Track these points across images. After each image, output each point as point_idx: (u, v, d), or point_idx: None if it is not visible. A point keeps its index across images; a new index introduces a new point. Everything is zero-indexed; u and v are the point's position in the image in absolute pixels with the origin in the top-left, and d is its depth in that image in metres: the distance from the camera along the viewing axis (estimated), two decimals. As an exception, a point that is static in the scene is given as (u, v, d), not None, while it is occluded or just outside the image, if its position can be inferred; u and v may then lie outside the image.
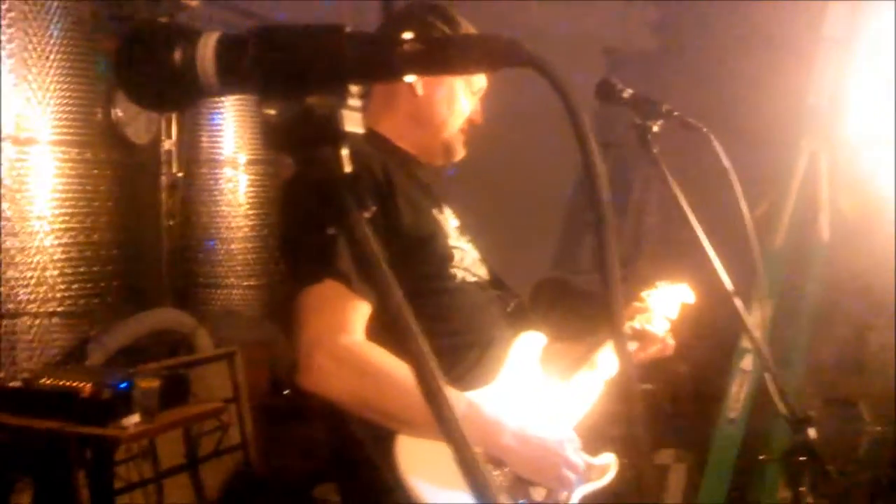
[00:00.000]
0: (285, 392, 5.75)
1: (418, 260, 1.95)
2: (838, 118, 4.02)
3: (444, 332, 1.97)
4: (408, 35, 0.82)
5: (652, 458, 4.39)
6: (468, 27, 2.14)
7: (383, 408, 1.78)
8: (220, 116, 6.11)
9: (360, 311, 1.81)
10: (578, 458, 2.02)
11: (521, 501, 1.93)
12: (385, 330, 1.76)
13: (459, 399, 1.86)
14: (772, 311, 3.95)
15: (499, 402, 1.96)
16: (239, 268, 6.09)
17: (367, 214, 0.84)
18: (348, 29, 0.81)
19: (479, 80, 2.17)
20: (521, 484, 1.94)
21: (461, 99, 2.14)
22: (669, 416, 4.77)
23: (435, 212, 2.05)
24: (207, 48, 0.84)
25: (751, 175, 3.75)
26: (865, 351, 4.44)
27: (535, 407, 2.04)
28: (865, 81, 3.95)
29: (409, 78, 0.83)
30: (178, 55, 0.84)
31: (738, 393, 3.94)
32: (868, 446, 3.93)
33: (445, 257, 2.00)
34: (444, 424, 0.83)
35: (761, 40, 4.22)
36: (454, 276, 2.01)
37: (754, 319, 3.35)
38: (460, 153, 2.19)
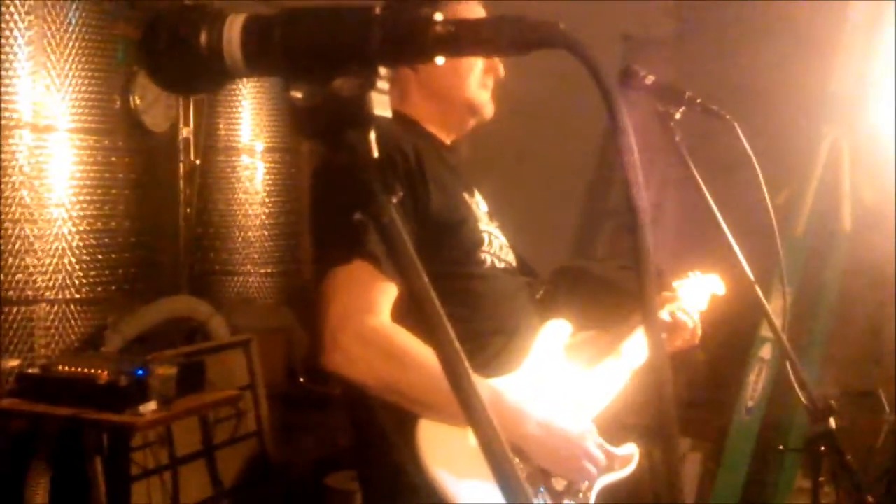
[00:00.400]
0: (301, 380, 5.76)
1: (448, 244, 1.94)
2: (861, 106, 3.98)
3: (471, 317, 1.96)
4: (439, 16, 0.80)
5: (678, 451, 4.38)
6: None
7: (408, 391, 1.77)
8: (237, 104, 6.11)
9: (388, 293, 1.80)
10: (600, 450, 2.00)
11: (540, 490, 1.93)
12: (412, 312, 1.76)
13: (483, 386, 1.84)
14: (792, 299, 3.92)
15: (522, 391, 1.95)
16: (256, 255, 6.09)
17: (394, 199, 0.83)
18: (378, 10, 0.80)
19: (496, 64, 2.15)
20: (541, 473, 1.93)
21: (468, 62, 2.11)
22: (685, 404, 4.75)
23: (465, 195, 2.03)
24: (234, 30, 0.83)
25: (772, 163, 3.72)
26: (884, 340, 4.41)
27: (558, 396, 2.03)
28: (889, 68, 3.91)
29: (440, 60, 0.81)
30: (203, 38, 0.82)
31: (755, 382, 3.92)
32: (887, 435, 3.91)
33: (476, 242, 1.98)
34: (470, 411, 0.82)
35: (783, 26, 4.18)
36: (484, 262, 1.99)
37: (775, 308, 3.34)
38: (489, 106, 2.14)
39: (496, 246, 2.04)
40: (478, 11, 2.13)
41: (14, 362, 3.99)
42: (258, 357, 5.41)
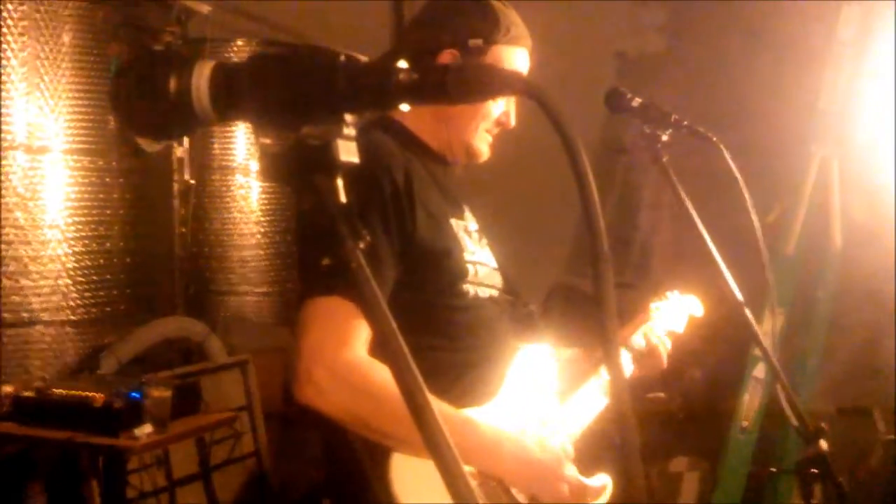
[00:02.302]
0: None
1: (431, 274, 1.94)
2: (850, 123, 4.00)
3: (451, 347, 1.97)
4: (402, 64, 0.81)
5: (645, 474, 4.37)
6: (511, 19, 2.08)
7: (379, 426, 1.77)
8: (231, 123, 6.12)
9: (365, 328, 1.79)
10: (575, 480, 2.01)
11: None
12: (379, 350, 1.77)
13: (457, 417, 1.85)
14: (784, 318, 3.93)
15: (498, 420, 1.96)
16: (251, 275, 6.08)
17: (361, 245, 0.83)
18: (342, 58, 0.81)
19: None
20: (510, 498, 1.94)
21: (490, 103, 2.10)
22: (682, 423, 4.75)
23: (454, 221, 2.02)
24: (202, 77, 0.84)
25: (762, 181, 3.74)
26: (880, 357, 4.41)
27: (534, 423, 2.04)
28: (878, 86, 3.92)
29: (405, 107, 0.82)
30: (172, 85, 0.84)
31: (750, 402, 3.92)
32: (882, 454, 3.90)
33: (459, 273, 1.98)
34: (434, 447, 0.82)
35: (773, 43, 4.20)
36: (466, 293, 1.99)
37: (766, 329, 3.35)
38: (484, 155, 2.14)
39: (481, 274, 2.03)
40: (521, 58, 2.13)
41: (9, 388, 3.98)
42: (255, 377, 5.40)
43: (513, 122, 2.15)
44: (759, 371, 3.85)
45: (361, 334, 1.79)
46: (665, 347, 2.44)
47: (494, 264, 2.09)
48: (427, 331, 1.93)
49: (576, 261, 5.83)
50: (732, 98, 4.37)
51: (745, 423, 3.91)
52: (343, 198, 0.81)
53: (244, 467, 5.19)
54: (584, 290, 4.89)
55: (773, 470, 3.71)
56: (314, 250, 1.72)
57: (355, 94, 0.81)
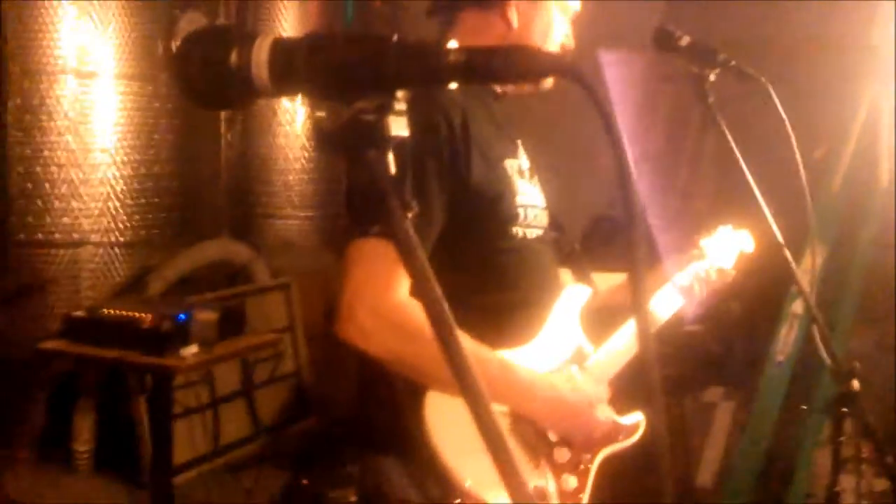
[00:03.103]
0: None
1: (482, 217, 1.94)
2: (903, 60, 3.93)
3: (495, 289, 1.99)
4: (452, 43, 0.84)
5: (679, 403, 4.42)
6: None
7: (419, 367, 1.78)
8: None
9: None
10: (608, 420, 2.04)
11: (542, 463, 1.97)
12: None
13: (493, 360, 1.89)
14: (826, 255, 3.92)
15: (536, 361, 1.99)
16: (296, 199, 6.14)
17: (409, 215, 0.88)
18: (395, 38, 0.84)
19: (574, 5, 2.14)
20: (545, 444, 1.97)
21: (557, 27, 2.10)
22: (718, 355, 4.78)
23: (507, 163, 2.02)
24: (262, 52, 0.88)
25: (811, 118, 3.70)
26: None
27: (571, 364, 2.07)
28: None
29: (453, 85, 0.86)
30: (234, 58, 0.87)
31: (787, 336, 3.93)
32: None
33: (510, 217, 1.98)
34: (466, 391, 0.88)
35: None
36: (515, 236, 2.00)
37: (806, 266, 3.35)
38: (550, 82, 2.07)
39: (531, 216, 2.04)
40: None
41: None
42: (298, 300, 5.52)
43: (573, 43, 2.15)
44: (797, 307, 3.85)
45: (405, 276, 1.79)
46: (708, 283, 2.41)
47: (543, 203, 2.09)
48: (473, 272, 1.96)
49: (615, 200, 5.81)
50: (783, 34, 4.30)
51: (780, 358, 3.93)
52: (393, 171, 0.85)
53: (285, 386, 5.33)
54: (621, 221, 4.89)
55: (804, 407, 3.74)
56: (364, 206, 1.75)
57: (406, 72, 0.84)
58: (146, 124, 4.98)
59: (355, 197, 0.92)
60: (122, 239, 4.86)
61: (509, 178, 2.00)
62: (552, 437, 1.99)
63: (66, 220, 4.72)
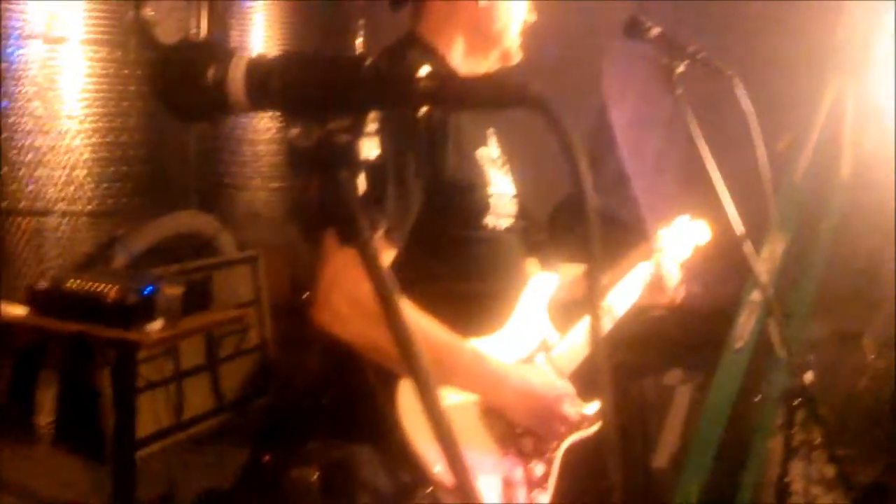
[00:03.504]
0: (306, 295, 5.84)
1: (455, 208, 1.98)
2: (868, 55, 3.98)
3: (464, 277, 2.03)
4: (424, 69, 0.86)
5: (639, 386, 4.48)
6: None
7: (393, 354, 1.81)
8: (250, 14, 6.08)
9: (385, 257, 1.85)
10: (573, 411, 2.08)
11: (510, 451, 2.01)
12: (406, 277, 1.84)
13: (465, 351, 1.93)
14: (786, 244, 3.99)
15: (504, 351, 2.03)
16: (264, 169, 6.12)
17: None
18: (368, 61, 0.86)
19: None
20: (512, 433, 2.02)
21: (519, 2, 2.14)
22: (678, 339, 4.84)
23: (480, 152, 2.05)
24: (238, 70, 0.90)
25: (775, 108, 3.75)
26: (879, 285, 4.48)
27: (537, 355, 2.11)
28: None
29: (423, 110, 0.88)
30: (210, 74, 0.89)
31: (745, 323, 4.00)
32: (868, 380, 4.00)
33: (482, 208, 2.02)
34: (420, 385, 0.91)
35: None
36: (486, 226, 2.04)
37: (765, 255, 3.41)
38: (517, 57, 2.18)
39: (501, 205, 2.08)
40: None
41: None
42: (264, 273, 5.52)
43: (534, 16, 2.19)
44: (757, 294, 3.91)
45: (381, 262, 1.84)
46: (672, 280, 2.46)
47: (513, 191, 2.13)
48: (445, 261, 2.00)
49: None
50: (752, 23, 4.34)
51: (738, 344, 3.99)
52: (362, 191, 0.88)
53: (250, 359, 5.34)
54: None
55: (758, 398, 3.82)
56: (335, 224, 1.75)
57: (379, 96, 0.87)
58: (115, 91, 4.93)
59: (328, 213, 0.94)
60: (88, 208, 4.84)
61: (481, 168, 2.04)
62: (518, 426, 2.03)
63: (31, 188, 4.68)
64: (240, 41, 6.10)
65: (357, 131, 0.88)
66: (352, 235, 0.89)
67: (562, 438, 2.09)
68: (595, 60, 5.49)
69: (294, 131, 0.89)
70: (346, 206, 0.87)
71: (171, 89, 0.92)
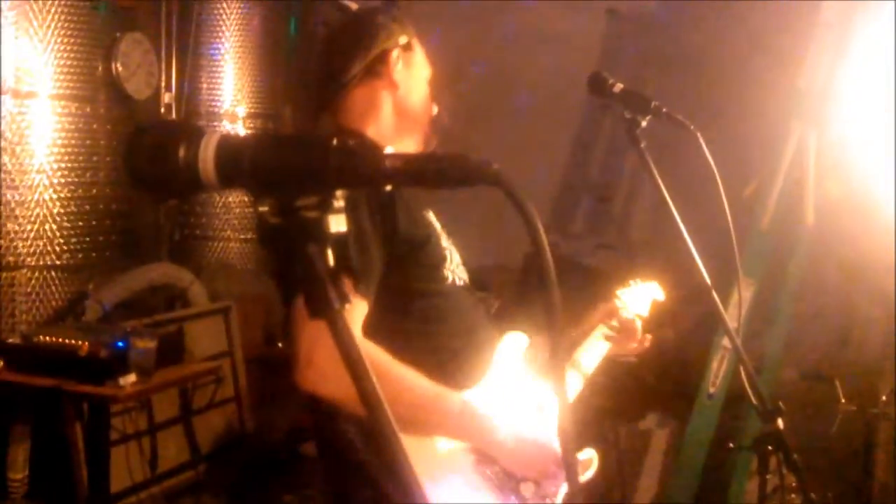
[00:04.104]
0: (279, 344, 5.84)
1: (414, 262, 2.04)
2: (829, 102, 4.07)
3: (438, 332, 2.08)
4: (389, 149, 0.89)
5: (615, 432, 4.50)
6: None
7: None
8: (219, 69, 6.14)
9: (360, 310, 1.90)
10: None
11: (511, 498, 2.04)
12: (381, 335, 1.88)
13: (454, 398, 1.97)
14: (755, 289, 4.04)
15: (490, 402, 2.06)
16: (235, 221, 6.14)
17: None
18: (335, 142, 0.89)
19: (428, 68, 2.30)
20: (510, 480, 2.04)
21: (426, 88, 2.28)
22: (653, 383, 4.88)
23: (426, 213, 2.14)
24: (209, 149, 0.92)
25: (740, 156, 3.82)
26: (847, 328, 4.54)
27: (522, 406, 2.14)
28: (858, 66, 3.99)
29: (388, 188, 0.91)
30: (181, 153, 0.91)
31: (717, 369, 4.04)
32: (840, 424, 4.04)
33: (440, 258, 2.10)
34: (380, 434, 0.93)
35: (756, 23, 4.25)
36: (446, 278, 2.11)
37: (734, 300, 3.45)
38: (433, 142, 2.30)
39: (455, 262, 2.16)
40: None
41: None
42: (237, 323, 5.50)
43: (435, 108, 2.31)
44: (727, 341, 3.95)
45: (357, 316, 1.89)
46: (639, 329, 2.55)
47: (459, 260, 2.21)
48: (412, 317, 2.05)
49: (554, 224, 5.91)
50: (717, 74, 4.43)
51: (711, 390, 4.03)
52: (332, 264, 0.90)
53: (224, 411, 5.30)
54: (560, 251, 4.99)
55: (732, 446, 3.85)
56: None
57: (345, 174, 0.89)
58: (84, 146, 4.93)
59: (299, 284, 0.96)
60: (58, 262, 4.81)
61: (432, 224, 2.13)
62: (514, 472, 2.05)
63: (1, 242, 4.66)
64: (209, 95, 6.16)
65: (325, 207, 0.90)
66: (322, 308, 0.91)
67: (559, 482, 2.11)
68: (572, 104, 5.58)
69: (263, 208, 0.91)
70: (315, 280, 0.89)
71: (142, 170, 0.94)
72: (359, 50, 2.19)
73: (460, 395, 2.00)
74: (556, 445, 2.09)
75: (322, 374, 1.82)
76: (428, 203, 2.19)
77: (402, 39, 2.22)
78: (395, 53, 2.20)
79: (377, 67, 2.20)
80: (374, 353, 1.83)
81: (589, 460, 2.25)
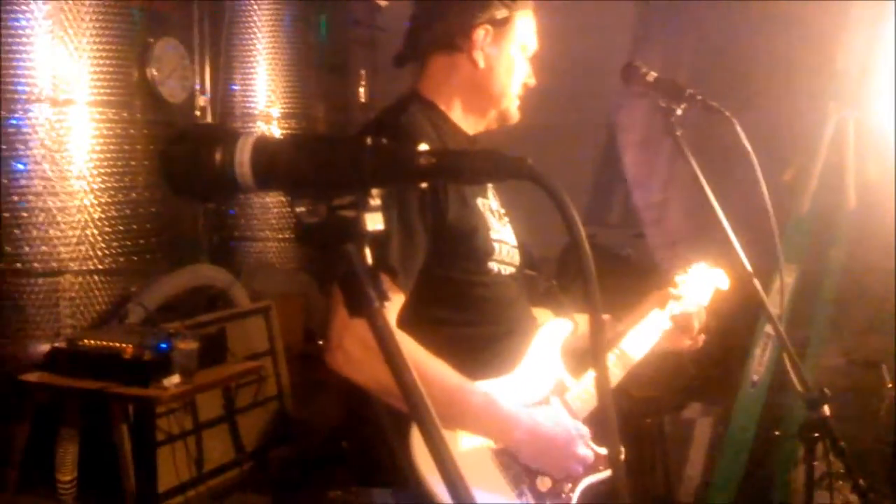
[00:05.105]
0: (319, 342, 5.85)
1: (460, 253, 2.03)
2: (868, 83, 4.01)
3: (474, 322, 2.07)
4: (423, 147, 0.89)
5: (658, 422, 4.46)
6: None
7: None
8: (253, 71, 6.18)
9: (395, 302, 1.90)
10: (587, 451, 2.09)
11: (524, 491, 2.02)
12: (417, 322, 1.88)
13: (476, 394, 1.96)
14: (796, 275, 3.99)
15: (515, 394, 2.06)
16: (273, 221, 6.20)
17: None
18: (369, 142, 0.89)
19: (532, 44, 2.23)
20: (526, 474, 2.03)
21: (519, 67, 2.20)
22: (695, 373, 4.84)
23: (480, 201, 2.10)
24: (244, 152, 0.93)
25: (779, 140, 3.77)
26: (891, 312, 4.48)
27: (550, 397, 2.13)
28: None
29: (423, 185, 0.91)
30: (217, 157, 0.92)
31: (761, 356, 4.00)
32: (888, 408, 3.99)
33: (486, 252, 2.07)
34: (426, 433, 0.92)
35: (793, 4, 4.20)
36: (491, 270, 2.08)
37: (776, 286, 3.41)
38: (515, 118, 2.25)
39: (504, 252, 2.12)
40: (531, 21, 2.22)
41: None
42: (277, 322, 5.54)
43: (534, 80, 2.25)
44: (770, 328, 3.91)
45: (393, 307, 1.90)
46: (695, 326, 2.48)
47: (514, 242, 2.18)
48: (453, 305, 2.05)
49: (591, 215, 5.87)
50: (751, 56, 4.38)
51: (755, 378, 3.99)
52: (370, 262, 0.90)
53: (267, 409, 5.35)
54: (601, 247, 4.96)
55: (777, 433, 3.81)
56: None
57: (381, 173, 0.89)
58: (122, 150, 4.99)
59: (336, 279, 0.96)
60: (100, 266, 4.87)
61: (482, 215, 2.09)
62: (532, 468, 2.04)
63: (44, 248, 4.72)
64: (243, 96, 6.21)
65: (361, 206, 0.91)
66: (361, 306, 0.91)
67: (577, 479, 2.09)
68: (605, 93, 5.54)
69: (300, 208, 0.92)
70: (353, 279, 0.89)
71: (179, 173, 0.95)
72: (445, 18, 2.14)
73: (483, 390, 1.99)
74: (576, 443, 2.07)
75: (351, 358, 1.84)
76: (482, 189, 2.15)
77: (501, 14, 2.14)
78: (481, 31, 2.13)
79: (459, 42, 2.14)
80: (404, 345, 1.80)
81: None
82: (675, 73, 2.59)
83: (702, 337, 2.53)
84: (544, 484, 2.05)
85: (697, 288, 2.54)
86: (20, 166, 4.69)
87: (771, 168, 2.46)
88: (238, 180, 0.93)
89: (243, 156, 0.92)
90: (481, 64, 2.14)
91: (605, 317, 2.44)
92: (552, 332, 2.21)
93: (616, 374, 2.31)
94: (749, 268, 2.43)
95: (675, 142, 2.48)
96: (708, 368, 4.95)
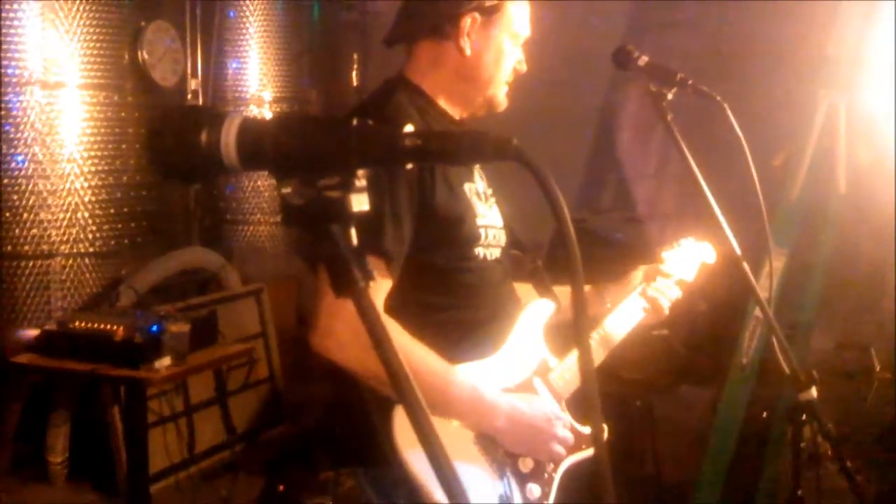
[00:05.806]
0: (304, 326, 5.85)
1: (447, 239, 2.03)
2: (858, 69, 4.01)
3: (458, 306, 2.08)
4: (409, 128, 0.90)
5: (649, 404, 4.48)
6: None
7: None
8: (245, 55, 6.17)
9: (384, 287, 1.91)
10: (566, 432, 2.10)
11: (506, 473, 2.03)
12: (402, 307, 1.89)
13: (457, 380, 1.97)
14: (786, 260, 4.01)
15: (499, 374, 2.07)
16: (265, 204, 6.20)
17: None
18: (354, 122, 0.90)
19: (524, 31, 2.22)
20: (507, 458, 2.05)
21: (508, 54, 2.19)
22: (686, 355, 4.86)
23: (467, 186, 2.10)
24: (230, 133, 0.93)
25: (769, 125, 3.78)
26: (880, 296, 4.50)
27: (534, 377, 2.14)
28: (887, 32, 3.93)
29: (409, 166, 0.91)
30: (204, 137, 0.92)
31: (750, 340, 4.02)
32: (876, 392, 4.02)
33: (473, 238, 2.08)
34: (413, 414, 0.94)
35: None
36: (476, 256, 2.09)
37: (765, 271, 3.42)
38: (503, 105, 2.25)
39: (490, 236, 2.13)
40: (525, 9, 2.22)
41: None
42: (269, 305, 5.55)
43: (525, 67, 2.25)
44: (759, 311, 3.92)
45: (381, 293, 1.91)
46: (668, 298, 2.48)
47: (501, 223, 2.19)
48: (438, 291, 2.06)
49: (583, 199, 5.89)
50: (742, 41, 4.39)
51: (744, 361, 4.01)
52: (355, 243, 0.91)
53: (259, 392, 5.36)
54: (591, 229, 4.97)
55: (765, 415, 3.83)
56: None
57: (366, 154, 0.90)
58: (113, 133, 4.98)
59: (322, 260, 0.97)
60: (91, 249, 4.87)
61: (469, 202, 2.09)
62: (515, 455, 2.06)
63: (34, 231, 4.72)
64: (234, 79, 6.19)
65: (347, 187, 0.91)
66: (347, 286, 0.92)
67: (559, 460, 2.10)
68: (598, 78, 5.54)
69: (286, 189, 0.92)
70: (338, 259, 0.90)
71: (165, 155, 0.95)
72: (433, 4, 2.14)
73: (465, 376, 2.00)
74: (555, 426, 2.08)
75: (339, 342, 1.84)
76: (468, 173, 2.15)
77: (490, 1, 2.13)
78: (468, 19, 2.12)
79: (446, 28, 2.14)
80: (391, 331, 1.81)
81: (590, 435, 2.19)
82: (667, 59, 2.58)
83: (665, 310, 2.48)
84: (526, 465, 2.07)
85: (684, 263, 2.55)
86: (10, 149, 4.67)
87: (762, 153, 2.46)
88: (223, 160, 0.93)
89: (229, 137, 0.93)
90: (468, 51, 2.14)
91: (587, 287, 2.44)
92: (535, 313, 2.22)
93: (600, 353, 2.31)
94: (738, 251, 2.43)
95: (666, 126, 2.48)
96: (698, 351, 4.97)
